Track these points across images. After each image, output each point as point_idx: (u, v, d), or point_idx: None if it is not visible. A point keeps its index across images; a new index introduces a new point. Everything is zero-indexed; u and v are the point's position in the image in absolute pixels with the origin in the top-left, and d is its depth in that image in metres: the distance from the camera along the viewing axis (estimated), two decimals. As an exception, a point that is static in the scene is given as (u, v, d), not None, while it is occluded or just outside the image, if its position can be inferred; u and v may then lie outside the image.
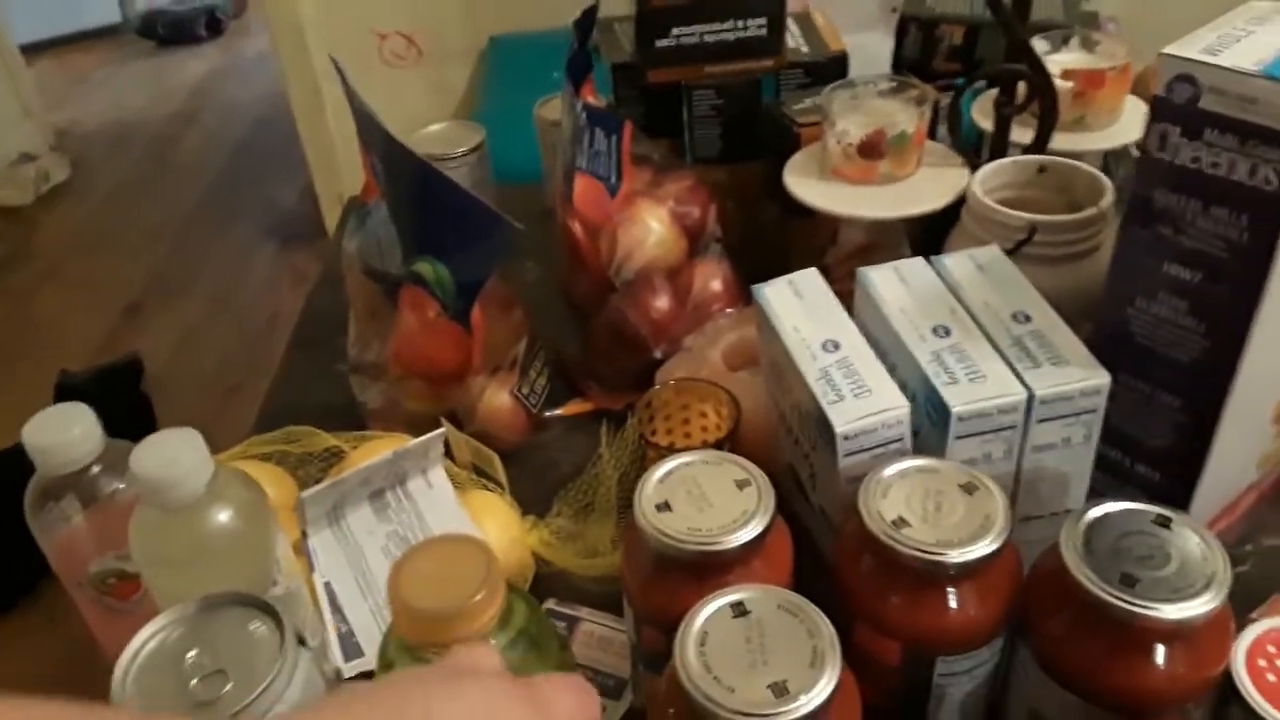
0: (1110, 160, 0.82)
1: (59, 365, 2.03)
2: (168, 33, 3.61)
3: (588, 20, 0.87)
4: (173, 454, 0.44)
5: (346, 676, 0.56)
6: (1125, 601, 0.43)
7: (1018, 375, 0.51)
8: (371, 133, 0.72)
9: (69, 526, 0.50)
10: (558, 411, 0.81)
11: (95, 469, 0.49)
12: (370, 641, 0.57)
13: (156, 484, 0.44)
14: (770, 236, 0.89)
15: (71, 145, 2.99)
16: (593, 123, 0.78)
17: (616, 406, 0.79)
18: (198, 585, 0.45)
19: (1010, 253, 0.63)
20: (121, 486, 0.50)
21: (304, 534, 0.57)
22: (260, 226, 2.55)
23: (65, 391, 1.96)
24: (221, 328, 2.23)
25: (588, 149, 0.76)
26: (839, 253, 0.77)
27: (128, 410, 1.90)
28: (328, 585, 0.57)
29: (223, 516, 0.46)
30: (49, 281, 2.45)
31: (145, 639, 0.41)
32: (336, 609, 0.58)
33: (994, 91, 0.78)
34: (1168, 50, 0.45)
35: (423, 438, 0.62)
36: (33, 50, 3.23)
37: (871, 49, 0.94)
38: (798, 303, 0.58)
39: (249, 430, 0.79)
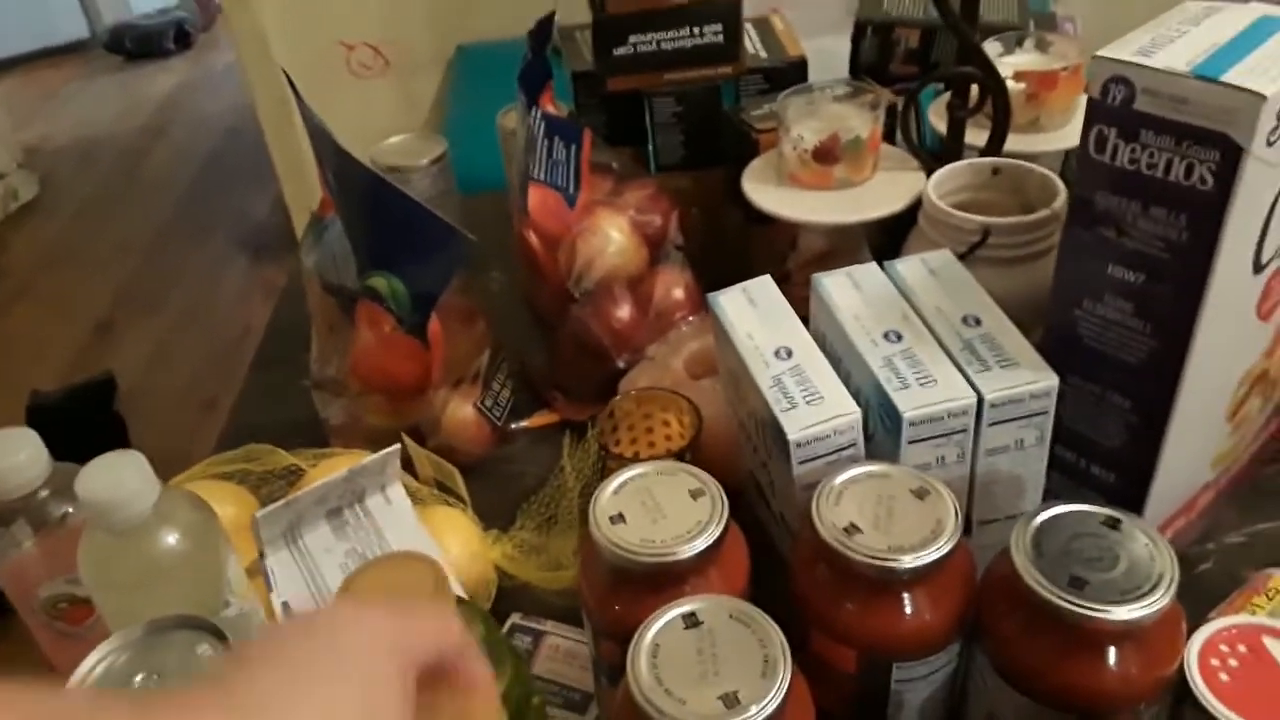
0: (1071, 160, 0.83)
1: (30, 384, 2.01)
2: (136, 47, 3.59)
3: (544, 30, 0.87)
4: (118, 476, 0.44)
5: None
6: (1074, 604, 0.43)
7: (968, 379, 0.51)
8: (324, 146, 0.72)
9: (20, 552, 0.50)
10: (523, 424, 0.81)
11: (44, 493, 0.49)
12: None
13: (102, 506, 0.43)
14: (733, 243, 0.89)
15: (40, 162, 2.97)
16: (551, 132, 0.78)
17: (581, 417, 0.79)
18: (148, 607, 0.44)
19: (964, 256, 0.64)
20: (71, 510, 0.50)
21: (261, 554, 0.56)
22: (232, 239, 2.54)
23: (37, 412, 1.94)
24: (194, 342, 2.22)
25: (545, 159, 0.76)
26: (799, 259, 0.77)
27: (101, 429, 1.89)
28: (285, 605, 0.56)
29: (170, 538, 0.45)
30: (19, 300, 2.42)
31: (93, 664, 0.41)
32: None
33: (947, 95, 0.79)
34: (1101, 53, 0.45)
35: (378, 454, 0.62)
36: (1, 67, 3.21)
37: (835, 53, 0.94)
38: (752, 310, 0.58)
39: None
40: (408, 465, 0.72)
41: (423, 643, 0.33)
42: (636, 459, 0.69)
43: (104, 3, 3.72)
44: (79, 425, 1.92)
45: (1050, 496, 0.56)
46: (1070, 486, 0.58)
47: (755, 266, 0.84)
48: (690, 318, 0.79)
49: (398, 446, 0.63)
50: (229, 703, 0.28)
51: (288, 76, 0.77)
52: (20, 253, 2.61)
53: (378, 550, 0.61)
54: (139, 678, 0.40)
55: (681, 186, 0.89)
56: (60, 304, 2.39)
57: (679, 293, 0.81)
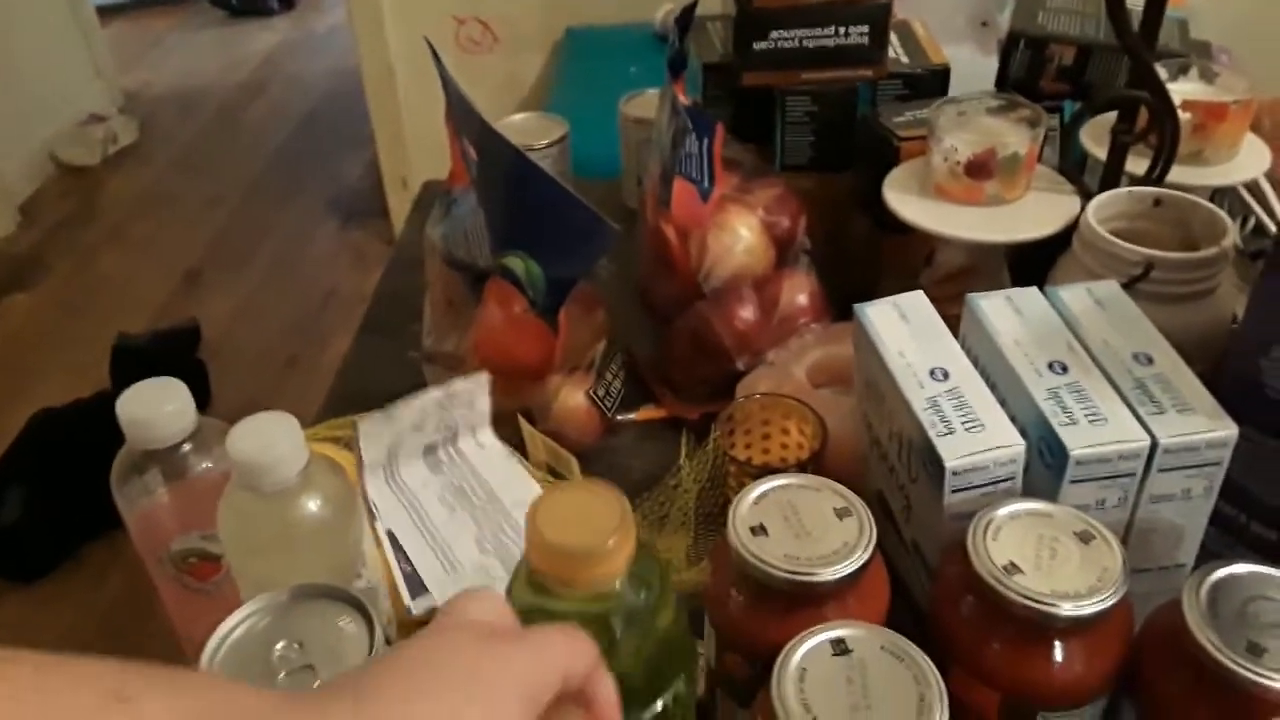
0: (1217, 197, 0.79)
1: (118, 326, 2.06)
2: (241, 3, 3.64)
3: (687, 18, 0.85)
4: (269, 438, 0.43)
5: (414, 613, 0.56)
6: (1251, 671, 0.41)
7: (1140, 420, 0.49)
8: (467, 121, 0.71)
9: (152, 501, 0.50)
10: (631, 416, 0.80)
11: (186, 447, 0.49)
12: (436, 583, 0.57)
13: (253, 467, 0.43)
14: (859, 250, 0.87)
15: (141, 108, 3.03)
16: (686, 124, 0.77)
17: (691, 415, 0.77)
18: (283, 572, 0.44)
19: (1123, 288, 0.61)
20: (209, 465, 0.49)
21: (362, 486, 0.57)
22: (321, 201, 2.57)
23: (122, 353, 1.98)
24: (278, 300, 2.24)
25: (683, 151, 0.75)
26: (936, 273, 0.75)
27: (183, 376, 1.91)
28: (390, 533, 0.57)
29: (312, 504, 0.45)
30: (112, 242, 2.48)
31: (233, 625, 0.40)
32: (399, 551, 0.59)
33: (1103, 116, 0.75)
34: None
35: (468, 379, 0.62)
36: (109, 11, 3.28)
37: (960, 63, 0.91)
38: (903, 326, 0.56)
39: (306, 404, 0.79)
40: (519, 446, 0.71)
41: (554, 679, 0.34)
42: (751, 464, 0.68)
43: (213, -43, 3.79)
44: (161, 370, 1.95)
45: (1204, 550, 0.53)
46: (1226, 541, 0.55)
47: (885, 277, 0.82)
48: (814, 324, 0.77)
49: (485, 375, 0.63)
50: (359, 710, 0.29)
51: (431, 48, 0.76)
52: (116, 196, 2.67)
53: (475, 486, 0.63)
54: (280, 645, 0.39)
55: (805, 187, 0.87)
56: (152, 250, 2.43)
57: (803, 298, 0.79)
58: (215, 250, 2.42)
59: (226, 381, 1.94)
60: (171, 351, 2.01)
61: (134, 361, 1.95)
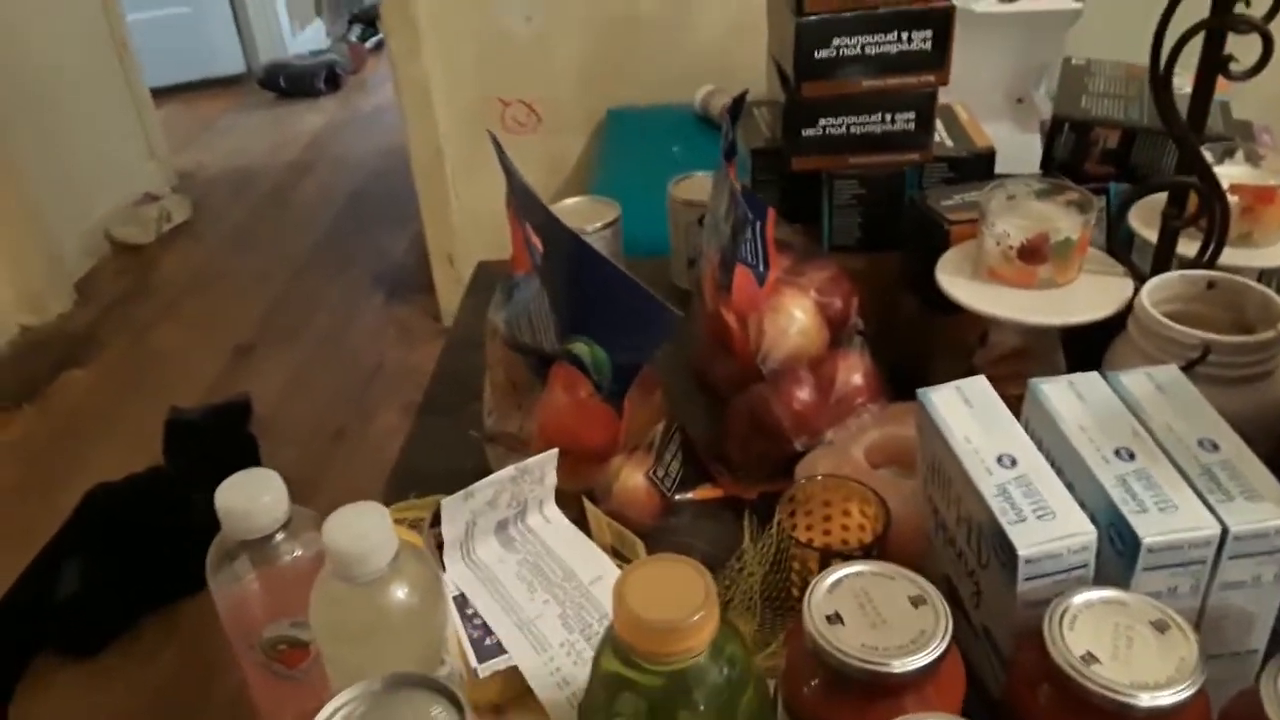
0: (1264, 277, 0.80)
1: (171, 400, 2.10)
2: (289, 85, 3.78)
3: (738, 107, 0.88)
4: (363, 528, 0.45)
5: (482, 676, 0.57)
6: (1336, 763, 0.41)
7: (1210, 508, 0.49)
8: (530, 209, 0.74)
9: (242, 588, 0.51)
10: (688, 495, 0.81)
11: (279, 536, 0.50)
12: (527, 663, 0.57)
13: (346, 558, 0.44)
14: (908, 330, 0.88)
15: (193, 188, 3.13)
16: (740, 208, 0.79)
17: (749, 495, 0.78)
18: (373, 659, 0.45)
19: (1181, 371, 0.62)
20: (300, 553, 0.51)
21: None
22: (368, 276, 2.63)
23: (175, 427, 2.02)
24: (327, 373, 2.29)
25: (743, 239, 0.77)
26: (989, 354, 0.76)
27: (234, 450, 1.95)
28: (460, 596, 0.58)
29: (401, 592, 0.46)
30: (166, 319, 2.54)
31: (330, 713, 0.41)
32: (465, 614, 0.60)
33: (1149, 199, 0.77)
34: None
35: (539, 456, 0.64)
36: (163, 94, 3.41)
37: (999, 140, 0.93)
38: (967, 411, 0.57)
39: (353, 477, 0.80)
40: (581, 527, 0.72)
41: None
42: (814, 546, 0.68)
43: (262, 41, 3.95)
44: (214, 444, 2.00)
45: (1275, 636, 0.53)
46: (1298, 628, 0.55)
47: (937, 356, 0.84)
48: (870, 405, 0.78)
49: (554, 451, 0.65)
50: None
51: (494, 140, 0.79)
52: (170, 273, 2.74)
53: (550, 562, 0.64)
54: (375, 734, 0.41)
55: (854, 267, 0.89)
56: (204, 325, 2.50)
57: (858, 378, 0.80)
58: (265, 325, 2.47)
59: (276, 454, 1.97)
60: (224, 426, 2.05)
61: (187, 436, 1.99)
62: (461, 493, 0.60)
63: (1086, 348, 0.73)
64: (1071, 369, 0.74)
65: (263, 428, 2.07)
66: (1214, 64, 0.65)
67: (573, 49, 2.01)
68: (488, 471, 0.80)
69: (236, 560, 0.51)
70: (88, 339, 2.45)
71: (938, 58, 0.84)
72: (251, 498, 0.49)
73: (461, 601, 0.61)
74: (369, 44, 4.21)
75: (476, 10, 1.97)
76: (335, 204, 3.00)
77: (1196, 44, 0.65)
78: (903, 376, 0.83)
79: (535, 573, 0.63)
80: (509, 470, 0.64)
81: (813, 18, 0.82)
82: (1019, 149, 0.98)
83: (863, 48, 0.83)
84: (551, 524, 0.68)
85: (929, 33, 0.82)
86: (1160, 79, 0.66)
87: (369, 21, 4.32)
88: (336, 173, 3.18)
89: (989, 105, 1.16)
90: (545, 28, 1.98)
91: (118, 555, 1.67)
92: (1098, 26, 1.28)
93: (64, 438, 2.12)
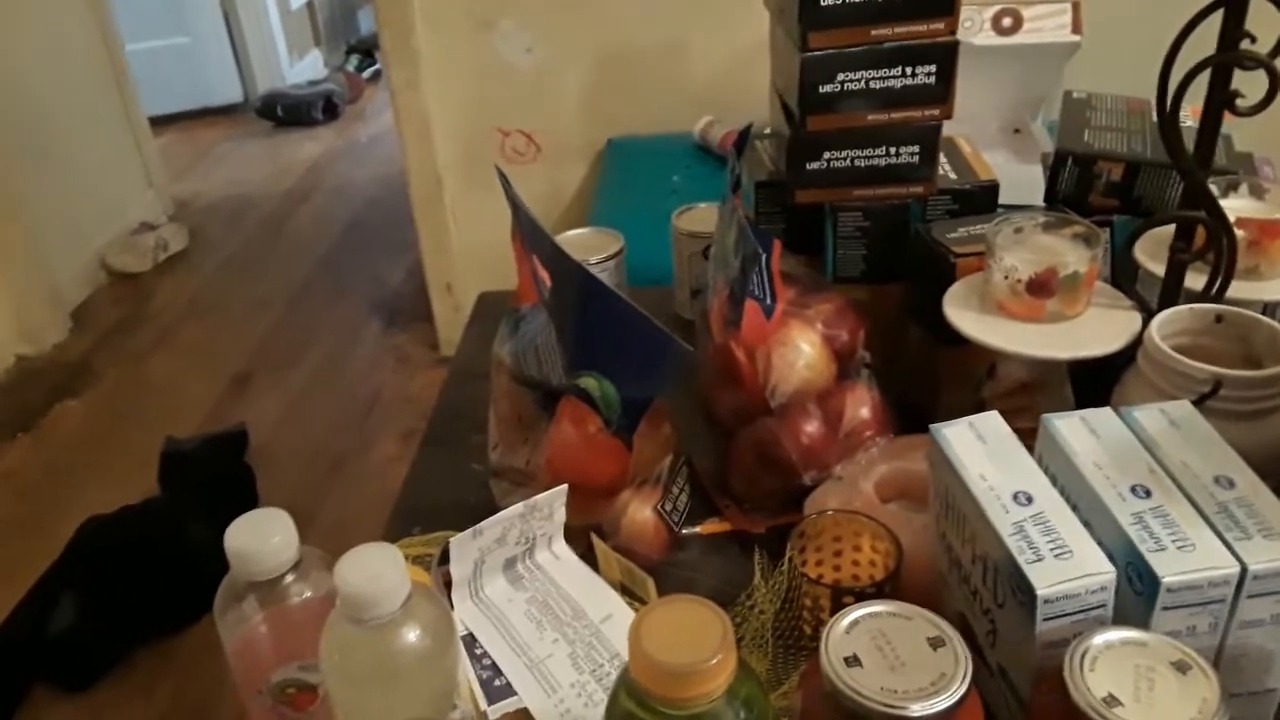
0: (1268, 310, 0.80)
1: (167, 430, 2.09)
2: (286, 114, 3.79)
3: (743, 141, 0.89)
4: (376, 569, 0.44)
5: (492, 719, 0.56)
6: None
7: (1228, 546, 0.49)
8: (537, 243, 0.74)
9: (249, 628, 0.51)
10: (695, 529, 0.80)
11: (289, 577, 0.50)
12: (536, 704, 0.57)
13: (359, 600, 0.44)
14: (913, 362, 0.88)
15: (190, 216, 3.13)
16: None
17: (756, 529, 0.78)
18: (385, 703, 0.45)
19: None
20: (309, 594, 0.50)
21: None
22: (365, 305, 2.62)
23: (171, 458, 2.01)
24: (324, 402, 2.28)
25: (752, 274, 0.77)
26: (997, 388, 0.76)
27: (231, 481, 1.94)
28: (469, 635, 0.58)
29: (413, 635, 0.46)
30: (162, 347, 2.53)
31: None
32: (474, 654, 0.59)
33: (1153, 232, 0.77)
34: None
35: (547, 492, 0.63)
36: (160, 122, 3.42)
37: (996, 169, 0.93)
38: (980, 447, 0.57)
39: (351, 507, 0.80)
40: (589, 563, 0.71)
41: None
42: (824, 582, 0.68)
43: (259, 71, 3.97)
44: (210, 474, 1.98)
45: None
46: (1316, 666, 0.54)
47: (944, 389, 0.83)
48: (878, 438, 0.78)
49: (564, 488, 0.64)
50: None
51: (501, 174, 0.80)
52: (166, 301, 2.74)
53: (559, 599, 0.64)
54: (390, 782, 0.40)
55: (858, 299, 0.89)
56: (201, 354, 2.49)
57: (866, 411, 0.80)
58: (262, 354, 2.46)
59: (273, 484, 1.95)
60: (220, 457, 2.03)
61: (183, 467, 1.98)
62: (470, 530, 0.59)
63: (1092, 380, 0.73)
64: (1078, 402, 0.74)
65: (259, 457, 2.06)
66: (1220, 100, 0.65)
67: (572, 80, 2.02)
68: (491, 505, 0.79)
69: (245, 601, 0.50)
70: (83, 368, 2.44)
71: (941, 91, 0.84)
72: (262, 538, 0.48)
73: (470, 641, 0.60)
74: (366, 74, 4.23)
75: (476, 41, 1.98)
76: (332, 233, 3.00)
77: (1201, 77, 0.66)
78: (909, 409, 0.83)
79: (544, 611, 0.63)
80: (518, 507, 0.63)
81: (817, 53, 0.82)
82: (1017, 179, 0.98)
83: (867, 82, 0.84)
84: (561, 561, 0.68)
85: (933, 67, 0.83)
86: (1168, 117, 0.66)
87: (366, 52, 4.35)
88: (333, 202, 3.19)
89: (986, 135, 1.17)
90: (545, 59, 2.00)
91: (113, 588, 1.65)
92: (1095, 58, 1.29)
93: (59, 468, 2.11)
